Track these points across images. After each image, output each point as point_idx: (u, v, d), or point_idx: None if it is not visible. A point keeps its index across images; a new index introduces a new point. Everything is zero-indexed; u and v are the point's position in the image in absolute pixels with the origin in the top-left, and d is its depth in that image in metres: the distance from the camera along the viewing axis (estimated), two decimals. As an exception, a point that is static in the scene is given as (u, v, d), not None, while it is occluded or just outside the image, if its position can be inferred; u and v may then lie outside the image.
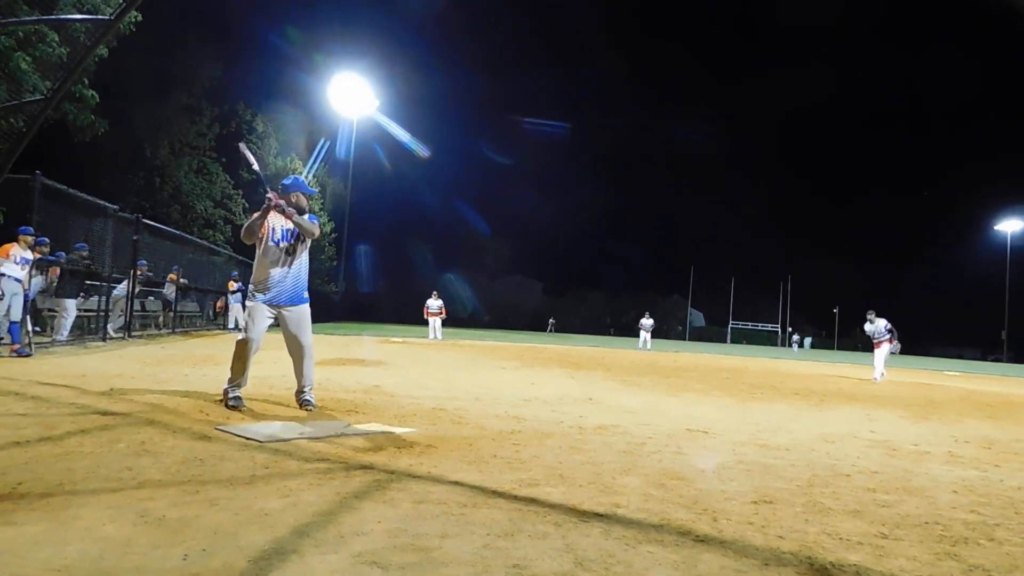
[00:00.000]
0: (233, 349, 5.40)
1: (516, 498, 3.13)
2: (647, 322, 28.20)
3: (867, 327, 15.83)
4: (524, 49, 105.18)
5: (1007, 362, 52.53)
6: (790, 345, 60.21)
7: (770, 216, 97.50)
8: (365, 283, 59.80)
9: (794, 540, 2.74)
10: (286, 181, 5.78)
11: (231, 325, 21.35)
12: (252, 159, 5.78)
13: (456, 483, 3.33)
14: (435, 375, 9.49)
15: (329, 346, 15.12)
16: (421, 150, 52.47)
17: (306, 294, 5.64)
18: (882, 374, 15.25)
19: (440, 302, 23.84)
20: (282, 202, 5.44)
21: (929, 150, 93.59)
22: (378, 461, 3.72)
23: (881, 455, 4.95)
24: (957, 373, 23.66)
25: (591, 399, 7.49)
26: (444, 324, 24.37)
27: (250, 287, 5.54)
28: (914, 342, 64.17)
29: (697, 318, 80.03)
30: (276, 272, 5.44)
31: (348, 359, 11.70)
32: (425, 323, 23.96)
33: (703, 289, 74.47)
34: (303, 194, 5.70)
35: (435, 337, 23.22)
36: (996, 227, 60.90)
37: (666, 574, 2.27)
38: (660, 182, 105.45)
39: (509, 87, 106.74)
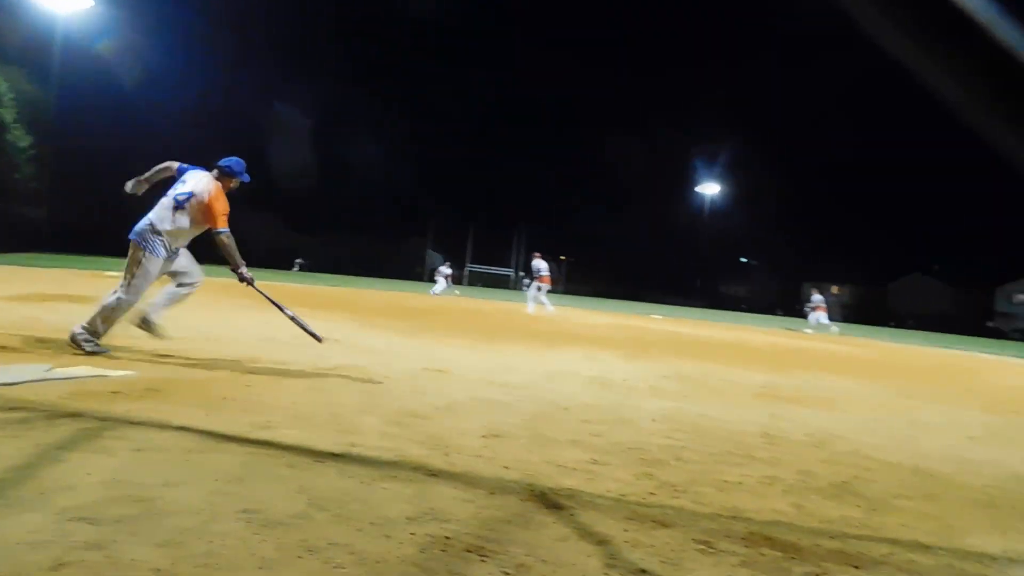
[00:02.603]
0: None
1: (249, 441, 3.00)
2: (445, 269, 27.85)
3: (815, 298, 25.00)
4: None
5: (700, 308, 61.51)
6: (525, 289, 64.46)
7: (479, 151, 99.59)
8: (77, 207, 51.58)
9: (519, 469, 2.95)
10: (233, 166, 5.60)
11: None
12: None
13: (182, 428, 3.10)
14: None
15: (32, 280, 13.04)
16: (155, 56, 46.00)
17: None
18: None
19: (450, 271, 27.34)
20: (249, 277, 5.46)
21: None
22: (88, 408, 3.32)
23: (597, 390, 5.53)
24: (660, 317, 27.19)
25: (337, 340, 7.33)
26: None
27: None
28: (633, 289, 72.43)
29: (436, 260, 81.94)
30: None
31: (55, 295, 10.17)
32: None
33: (445, 233, 76.54)
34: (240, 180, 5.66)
35: (437, 293, 25.90)
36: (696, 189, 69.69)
37: (400, 508, 2.33)
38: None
39: None
